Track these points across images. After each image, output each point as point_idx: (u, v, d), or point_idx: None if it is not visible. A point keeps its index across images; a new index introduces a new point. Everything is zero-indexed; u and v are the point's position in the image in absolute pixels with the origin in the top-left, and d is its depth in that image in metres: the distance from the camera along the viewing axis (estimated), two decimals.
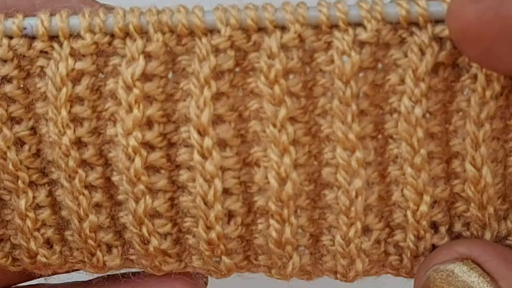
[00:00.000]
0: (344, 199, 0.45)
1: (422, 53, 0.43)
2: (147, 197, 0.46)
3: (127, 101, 0.44)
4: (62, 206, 0.48)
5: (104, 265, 0.49)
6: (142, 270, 0.50)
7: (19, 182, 0.47)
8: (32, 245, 0.49)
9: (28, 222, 0.48)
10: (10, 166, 0.47)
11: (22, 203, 0.48)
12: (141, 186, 0.46)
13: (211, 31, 0.44)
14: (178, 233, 0.48)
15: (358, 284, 0.50)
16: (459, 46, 0.41)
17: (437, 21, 0.43)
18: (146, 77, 0.45)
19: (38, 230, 0.49)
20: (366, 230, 0.47)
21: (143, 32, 0.44)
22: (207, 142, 0.45)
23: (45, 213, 0.48)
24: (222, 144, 0.45)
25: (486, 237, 0.47)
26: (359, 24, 0.43)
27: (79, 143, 0.46)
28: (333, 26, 0.43)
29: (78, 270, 0.51)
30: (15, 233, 0.49)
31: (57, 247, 0.50)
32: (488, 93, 0.43)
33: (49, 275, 0.51)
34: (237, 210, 0.46)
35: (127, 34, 0.45)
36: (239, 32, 0.44)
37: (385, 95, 0.45)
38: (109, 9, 0.46)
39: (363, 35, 0.43)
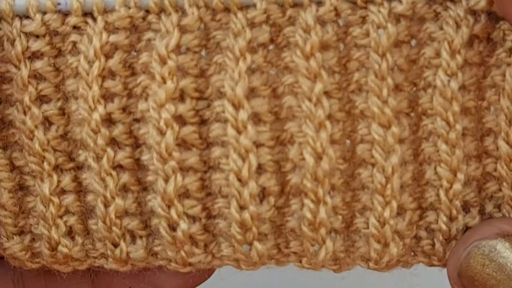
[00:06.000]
0: (380, 177, 0.45)
1: (458, 25, 0.43)
2: (178, 174, 0.45)
3: (161, 74, 0.44)
4: (88, 191, 0.47)
5: (127, 257, 0.48)
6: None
7: (45, 164, 0.46)
8: (54, 233, 0.47)
9: (52, 208, 0.47)
10: (37, 146, 0.46)
11: (46, 187, 0.47)
12: (172, 163, 0.45)
13: (246, 6, 0.44)
14: (207, 219, 0.47)
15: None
16: (501, 5, 0.41)
17: None
18: (180, 50, 0.44)
19: (61, 217, 0.47)
20: (400, 210, 0.46)
21: (178, 8, 0.44)
22: (242, 115, 0.44)
23: (70, 198, 0.47)
24: (256, 118, 0.45)
25: None
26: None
27: (109, 120, 0.46)
28: (368, 1, 0.44)
29: (98, 268, 0.49)
30: (37, 221, 0.48)
31: (79, 239, 0.48)
32: None
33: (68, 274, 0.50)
34: (271, 188, 0.45)
35: (162, 10, 0.45)
36: (274, 6, 0.44)
37: (419, 70, 0.45)
38: None
39: (399, 8, 0.43)
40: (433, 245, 0.47)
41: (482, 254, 0.44)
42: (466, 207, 0.47)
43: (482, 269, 0.44)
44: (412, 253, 0.48)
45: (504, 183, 0.46)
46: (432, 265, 0.48)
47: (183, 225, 0.46)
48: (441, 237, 0.46)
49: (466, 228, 0.47)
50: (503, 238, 0.44)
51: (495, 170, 0.46)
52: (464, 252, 0.44)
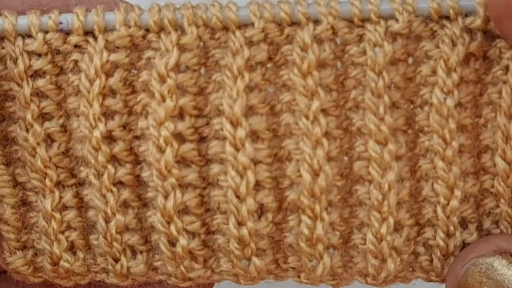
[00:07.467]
0: (377, 193, 0.45)
1: (454, 44, 0.44)
2: (177, 191, 0.45)
3: (160, 92, 0.45)
4: (89, 207, 0.48)
5: (128, 272, 0.48)
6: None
7: (47, 180, 0.47)
8: (56, 248, 0.48)
9: (53, 224, 0.48)
10: (39, 163, 0.47)
11: (48, 203, 0.47)
12: (172, 180, 0.45)
13: (245, 25, 0.45)
14: (206, 234, 0.47)
15: None
16: (499, 23, 0.41)
17: (466, 15, 0.44)
18: (179, 68, 0.45)
19: (62, 232, 0.48)
20: (398, 226, 0.46)
21: (177, 27, 0.45)
22: (240, 133, 0.45)
23: (71, 214, 0.48)
24: (254, 136, 0.45)
25: None
26: (390, 18, 0.44)
27: (109, 138, 0.46)
28: (365, 20, 0.44)
29: (99, 282, 0.50)
30: (39, 237, 0.49)
31: (80, 254, 0.49)
32: None
33: None
34: (268, 205, 0.46)
35: (161, 29, 0.45)
36: (272, 25, 0.45)
37: (416, 88, 0.45)
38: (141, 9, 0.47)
39: (395, 26, 0.44)
40: (431, 261, 0.47)
41: (479, 271, 0.44)
42: (463, 224, 0.47)
43: (479, 287, 0.44)
44: (411, 269, 0.48)
45: (502, 200, 0.46)
46: (431, 280, 0.48)
47: (183, 240, 0.46)
48: (438, 253, 0.47)
49: (464, 244, 0.47)
50: (500, 255, 0.44)
51: (493, 186, 0.46)
52: (462, 269, 0.44)
